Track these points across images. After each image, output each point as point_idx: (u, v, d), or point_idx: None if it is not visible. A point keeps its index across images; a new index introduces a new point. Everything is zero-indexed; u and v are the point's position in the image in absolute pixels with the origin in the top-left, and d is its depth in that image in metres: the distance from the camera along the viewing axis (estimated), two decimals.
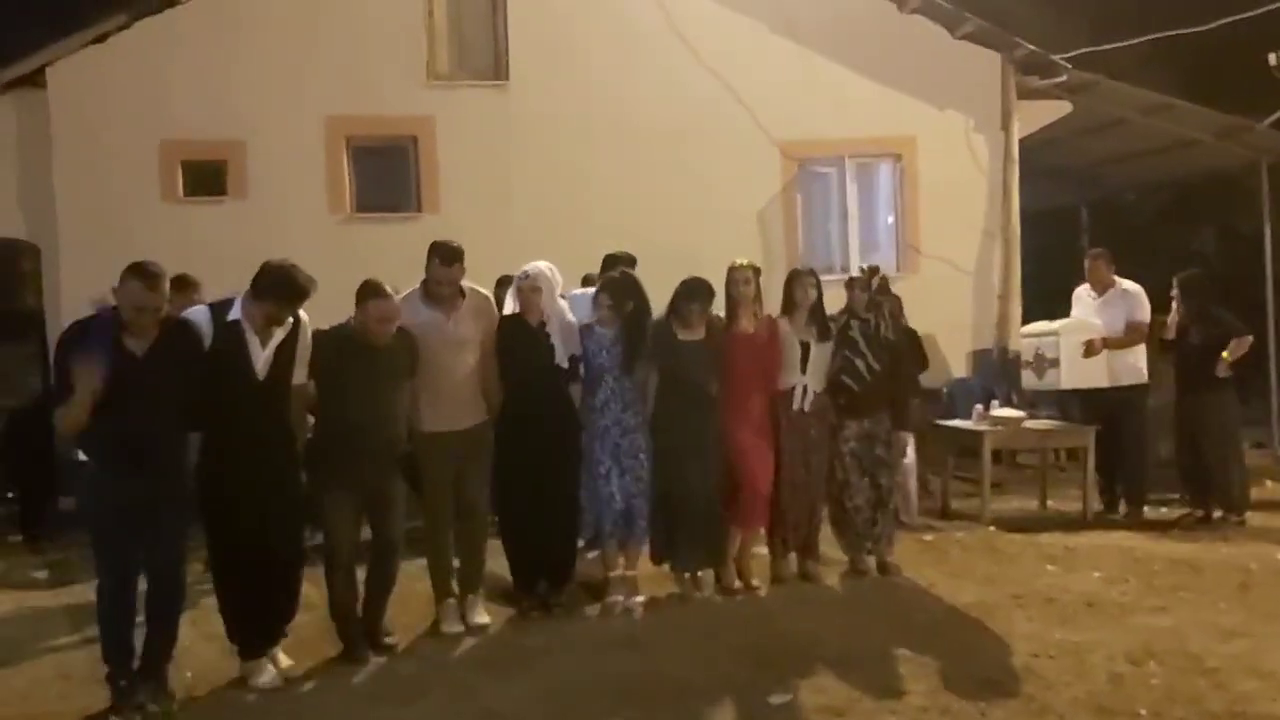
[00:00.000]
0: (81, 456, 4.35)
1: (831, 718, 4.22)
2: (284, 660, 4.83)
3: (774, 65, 10.45)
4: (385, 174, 10.33)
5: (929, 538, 7.20)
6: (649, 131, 10.23)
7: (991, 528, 7.47)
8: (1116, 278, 8.12)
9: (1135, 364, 7.94)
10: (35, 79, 9.64)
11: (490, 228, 9.68)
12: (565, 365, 5.55)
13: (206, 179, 9.92)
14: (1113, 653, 4.81)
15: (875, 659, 4.83)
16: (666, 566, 5.92)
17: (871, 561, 6.26)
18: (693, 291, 5.71)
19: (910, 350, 7.18)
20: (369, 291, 4.91)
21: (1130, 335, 7.92)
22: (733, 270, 5.92)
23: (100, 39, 9.65)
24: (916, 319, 10.40)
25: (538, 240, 8.60)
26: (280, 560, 4.71)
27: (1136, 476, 7.93)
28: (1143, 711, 4.17)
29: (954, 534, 7.31)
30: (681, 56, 10.34)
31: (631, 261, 6.88)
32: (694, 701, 4.40)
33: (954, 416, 9.05)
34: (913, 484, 7.60)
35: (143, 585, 4.47)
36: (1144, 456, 8.01)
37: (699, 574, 5.90)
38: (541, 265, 5.57)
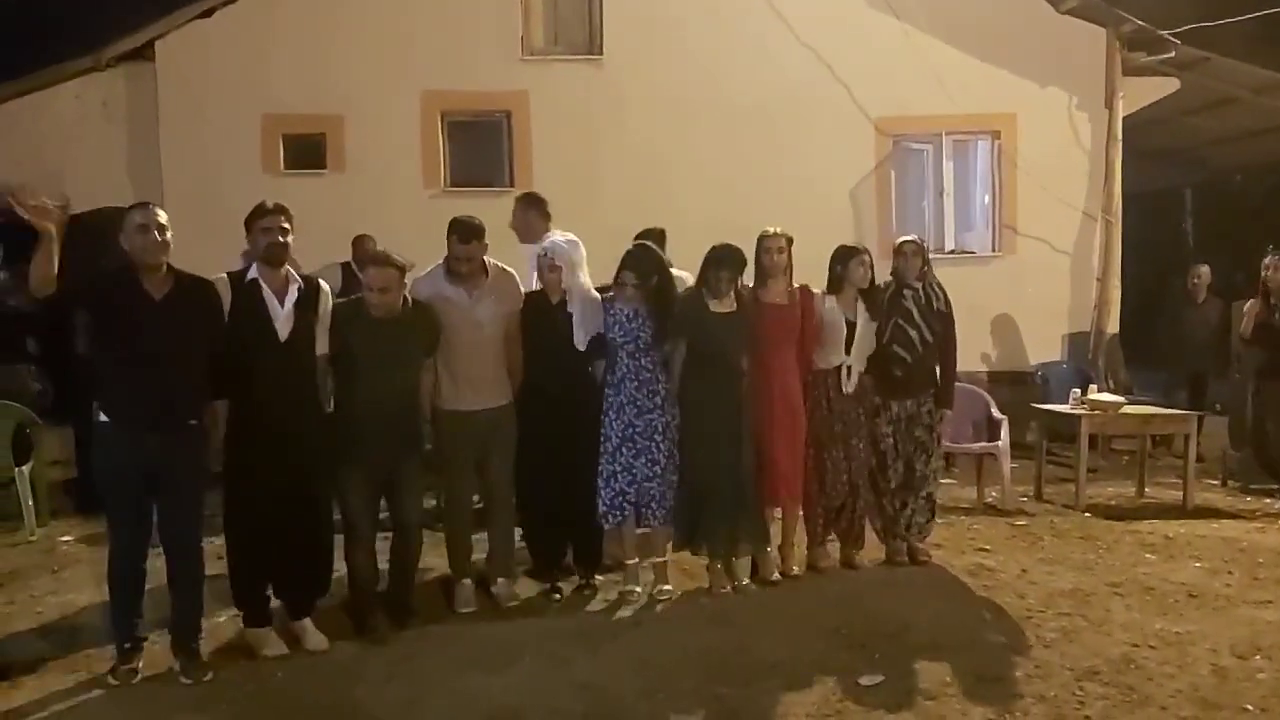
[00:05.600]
0: (102, 417, 4.31)
1: (923, 701, 4.18)
2: (316, 638, 4.80)
3: (872, 41, 10.30)
4: (479, 149, 10.41)
5: (1022, 523, 7.09)
6: (743, 107, 10.17)
7: (1087, 514, 7.32)
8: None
9: None
10: (145, 52, 9.93)
11: (582, 203, 9.70)
12: (582, 346, 5.36)
13: (306, 152, 10.10)
14: (1216, 645, 4.71)
15: (967, 644, 4.78)
16: (695, 554, 5.76)
17: (904, 548, 6.12)
18: (721, 259, 5.49)
19: None
20: (369, 259, 4.91)
21: None
22: (765, 238, 5.70)
23: (206, 14, 9.88)
24: (1011, 300, 10.28)
25: (629, 215, 8.57)
26: (304, 526, 4.69)
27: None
28: (1249, 706, 4.08)
29: (1048, 520, 7.17)
30: (777, 32, 10.23)
31: (661, 236, 6.82)
32: (784, 679, 4.40)
33: (1047, 400, 8.91)
34: (1007, 467, 7.48)
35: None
36: None
37: (734, 560, 5.70)
38: (560, 240, 5.39)
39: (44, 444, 7.26)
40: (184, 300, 4.36)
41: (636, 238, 6.96)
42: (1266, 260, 7.72)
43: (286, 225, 4.65)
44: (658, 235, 6.77)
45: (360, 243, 8.69)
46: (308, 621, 4.85)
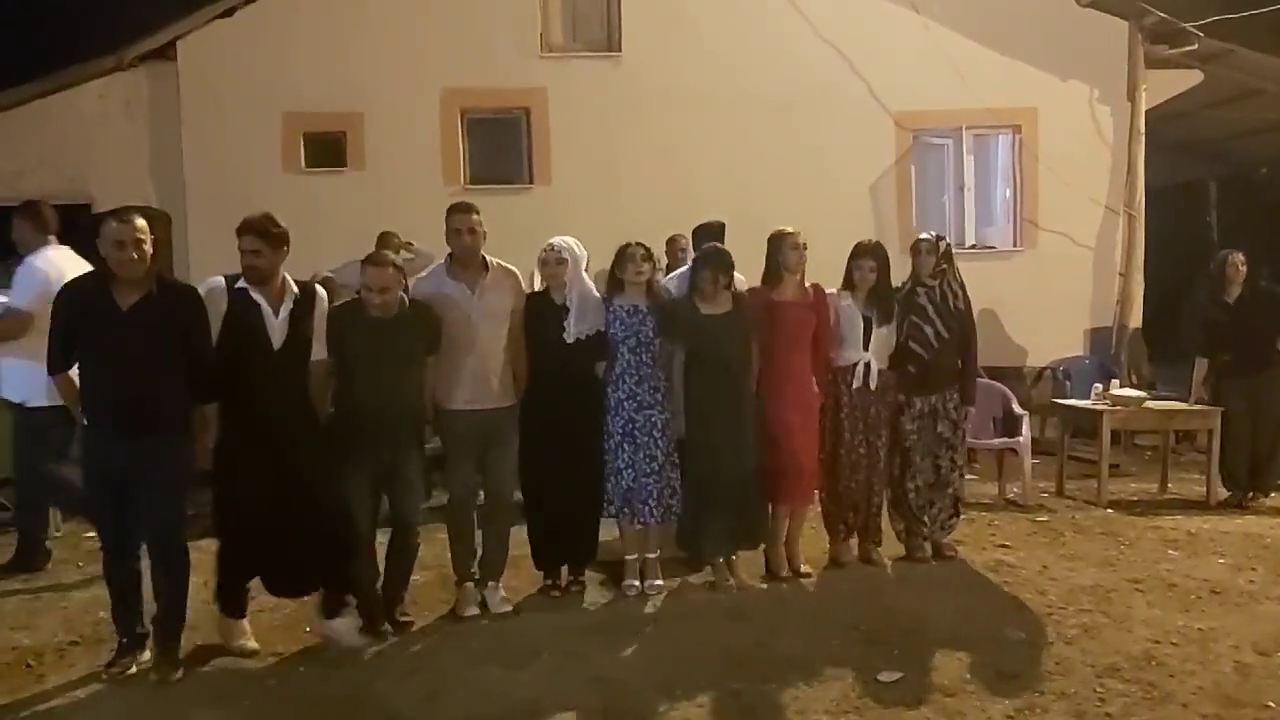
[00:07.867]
0: (84, 421, 4.36)
1: (942, 698, 4.17)
2: (350, 637, 4.79)
3: (892, 35, 10.27)
4: (499, 146, 10.42)
5: (1043, 519, 7.05)
6: (762, 103, 10.15)
7: (1109, 510, 7.28)
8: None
9: None
10: (166, 52, 10.00)
11: (601, 199, 9.77)
12: (570, 340, 5.35)
13: (327, 150, 10.16)
14: (1239, 642, 4.68)
15: (986, 640, 4.77)
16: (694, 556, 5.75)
17: (928, 546, 6.09)
18: (705, 260, 5.53)
19: None
20: (367, 259, 4.90)
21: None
22: (786, 235, 5.66)
23: (228, 13, 9.94)
24: (1032, 295, 10.22)
25: (648, 211, 8.62)
26: (301, 529, 4.64)
27: None
28: (1271, 704, 4.05)
29: (1069, 516, 7.14)
30: (796, 27, 10.21)
31: (721, 229, 6.78)
32: (802, 675, 4.39)
33: (1066, 395, 8.86)
34: (1028, 463, 7.44)
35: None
36: None
37: (734, 559, 5.69)
38: (569, 239, 5.46)
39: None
40: (156, 309, 4.31)
41: (695, 230, 6.97)
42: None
43: (258, 248, 4.54)
44: (718, 228, 6.76)
45: (385, 239, 8.74)
46: (338, 621, 4.81)
